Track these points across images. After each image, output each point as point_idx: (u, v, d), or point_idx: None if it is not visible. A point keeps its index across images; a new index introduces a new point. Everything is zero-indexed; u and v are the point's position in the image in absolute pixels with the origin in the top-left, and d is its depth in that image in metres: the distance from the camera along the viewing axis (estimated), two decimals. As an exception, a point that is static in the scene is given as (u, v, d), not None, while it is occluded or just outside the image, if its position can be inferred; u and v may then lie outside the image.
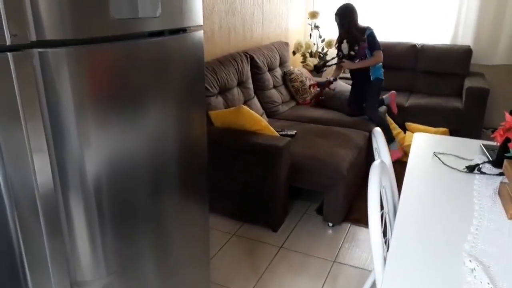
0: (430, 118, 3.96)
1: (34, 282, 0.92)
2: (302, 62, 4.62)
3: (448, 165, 1.58)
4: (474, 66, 4.36)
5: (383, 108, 3.73)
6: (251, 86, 3.40)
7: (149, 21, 1.11)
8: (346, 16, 3.40)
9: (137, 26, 1.08)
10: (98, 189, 1.04)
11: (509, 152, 1.39)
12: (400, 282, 0.98)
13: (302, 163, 2.61)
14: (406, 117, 4.01)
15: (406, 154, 3.48)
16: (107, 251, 1.10)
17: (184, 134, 1.36)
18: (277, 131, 2.76)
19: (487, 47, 4.35)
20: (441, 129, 3.90)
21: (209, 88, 2.82)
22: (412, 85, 4.49)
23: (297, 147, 2.69)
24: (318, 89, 3.84)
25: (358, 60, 3.44)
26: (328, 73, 4.34)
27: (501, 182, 1.40)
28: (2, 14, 0.77)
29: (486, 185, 1.43)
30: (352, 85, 3.67)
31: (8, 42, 0.79)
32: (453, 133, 3.83)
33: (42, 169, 0.89)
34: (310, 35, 4.83)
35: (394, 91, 3.87)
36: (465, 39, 4.41)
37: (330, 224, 2.66)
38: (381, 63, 3.44)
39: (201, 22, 1.33)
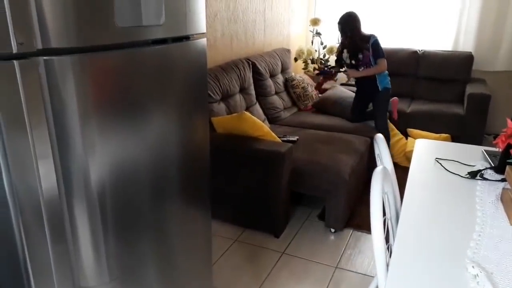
0: (432, 124, 3.96)
1: (38, 288, 0.93)
2: (303, 69, 4.64)
3: (450, 171, 1.58)
4: (475, 72, 4.37)
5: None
6: (253, 92, 3.41)
7: (153, 29, 1.12)
8: (348, 24, 3.40)
9: (141, 34, 1.09)
10: (101, 195, 1.05)
11: (511, 158, 1.39)
12: (402, 288, 0.98)
13: (304, 169, 2.61)
14: (408, 123, 4.01)
15: (408, 160, 3.47)
16: (110, 257, 1.11)
17: (187, 140, 1.36)
18: (279, 137, 2.77)
19: (489, 53, 4.36)
20: (443, 135, 3.90)
21: (212, 94, 2.83)
22: (413, 91, 4.50)
23: (299, 153, 2.69)
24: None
25: (363, 68, 3.43)
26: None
27: (503, 188, 1.40)
28: (8, 22, 0.78)
29: (488, 191, 1.43)
30: (356, 92, 3.67)
31: (15, 50, 0.80)
32: (455, 139, 3.83)
33: (47, 175, 0.90)
34: (312, 42, 4.85)
35: (396, 97, 3.88)
36: (466, 45, 4.42)
37: (332, 230, 2.65)
38: (387, 72, 3.43)
39: (204, 30, 1.34)
